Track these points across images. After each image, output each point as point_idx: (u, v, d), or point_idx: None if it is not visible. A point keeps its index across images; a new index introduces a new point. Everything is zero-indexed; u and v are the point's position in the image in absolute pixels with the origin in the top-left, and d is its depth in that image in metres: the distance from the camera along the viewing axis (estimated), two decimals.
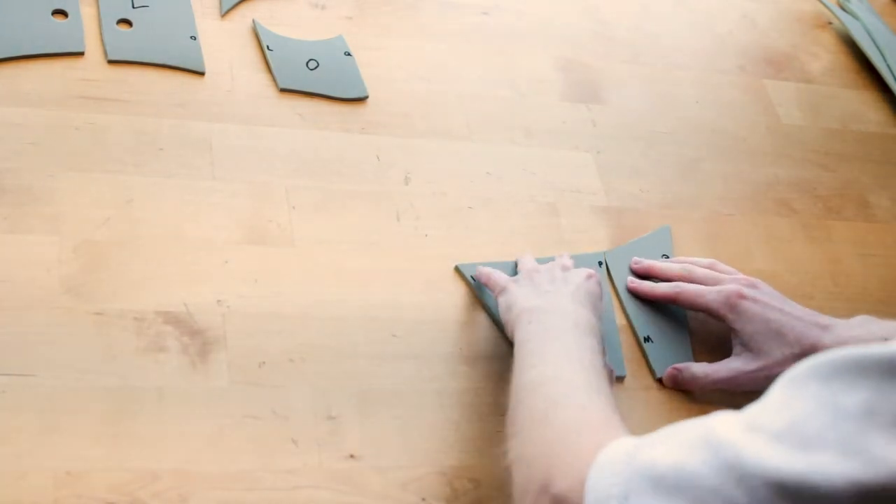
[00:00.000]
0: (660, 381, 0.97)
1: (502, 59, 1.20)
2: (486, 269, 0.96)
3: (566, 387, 0.76)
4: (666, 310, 1.02)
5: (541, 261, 0.98)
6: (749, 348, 0.94)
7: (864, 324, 0.93)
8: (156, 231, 0.92)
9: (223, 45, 1.09)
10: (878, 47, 1.39)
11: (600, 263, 1.03)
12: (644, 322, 1.00)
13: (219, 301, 0.89)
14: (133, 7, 1.08)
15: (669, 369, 0.96)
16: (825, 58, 1.39)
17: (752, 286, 0.96)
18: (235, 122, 1.03)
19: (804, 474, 0.54)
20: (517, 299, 0.89)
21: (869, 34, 1.40)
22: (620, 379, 0.96)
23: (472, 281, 0.97)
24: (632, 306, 1.01)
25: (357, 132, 1.07)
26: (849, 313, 1.09)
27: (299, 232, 0.96)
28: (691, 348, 1.00)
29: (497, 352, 0.93)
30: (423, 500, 0.83)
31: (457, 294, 0.97)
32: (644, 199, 1.12)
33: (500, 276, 0.94)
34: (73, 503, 0.75)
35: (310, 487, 0.81)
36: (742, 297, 0.95)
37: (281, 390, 0.86)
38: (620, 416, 0.74)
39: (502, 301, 0.91)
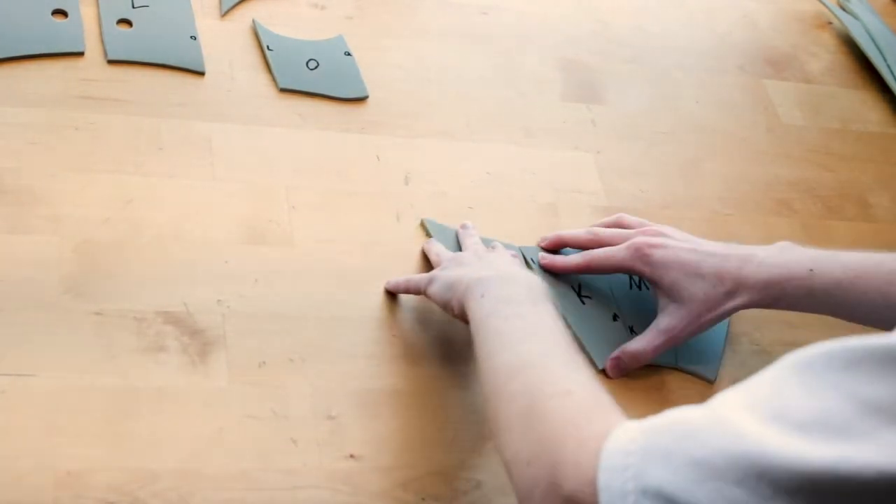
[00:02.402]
0: (602, 371, 0.95)
1: (502, 59, 1.21)
2: (402, 279, 0.93)
3: (544, 372, 0.74)
4: (584, 294, 1.00)
5: None
6: (672, 297, 0.92)
7: (784, 250, 0.92)
8: (156, 231, 0.92)
9: (223, 45, 1.09)
10: (878, 47, 1.39)
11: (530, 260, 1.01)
12: (570, 312, 0.98)
13: (219, 301, 0.89)
14: (133, 7, 1.08)
15: (610, 360, 0.94)
16: (825, 58, 1.39)
17: (659, 234, 0.95)
18: (235, 122, 1.03)
19: (833, 466, 0.53)
20: (456, 276, 0.86)
21: (869, 34, 1.40)
22: None
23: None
24: (560, 298, 0.98)
25: (357, 132, 1.07)
26: None
27: (299, 232, 0.96)
28: (621, 324, 0.98)
29: None
30: (423, 499, 0.83)
31: None
32: (644, 199, 1.12)
33: (419, 276, 0.92)
34: (72, 503, 0.75)
35: (310, 487, 0.81)
36: (651, 246, 0.93)
37: (281, 390, 0.86)
38: (603, 388, 0.72)
39: (432, 291, 0.88)
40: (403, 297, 0.95)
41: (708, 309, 0.92)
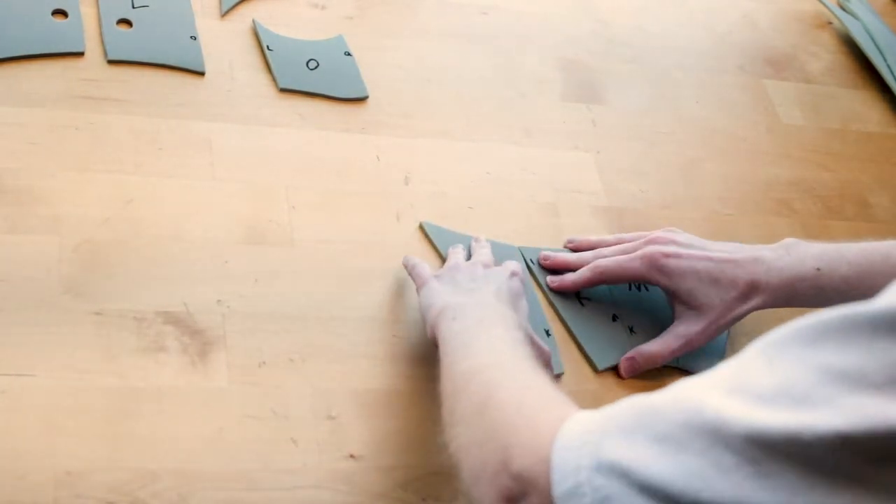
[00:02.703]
0: (607, 371, 0.95)
1: (502, 59, 1.21)
2: (413, 260, 0.93)
3: (504, 372, 0.74)
4: (583, 296, 1.00)
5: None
6: (690, 305, 0.93)
7: (791, 249, 0.93)
8: (156, 231, 0.92)
9: (223, 45, 1.09)
10: (878, 47, 1.39)
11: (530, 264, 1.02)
12: (570, 314, 0.99)
13: (219, 301, 0.89)
14: (133, 7, 1.08)
15: (624, 360, 0.95)
16: (825, 58, 1.39)
17: (670, 241, 0.95)
18: (235, 122, 1.03)
19: (795, 433, 0.52)
20: (437, 295, 0.87)
21: (869, 34, 1.40)
22: (559, 376, 0.94)
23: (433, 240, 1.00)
24: (558, 300, 0.99)
25: (357, 132, 1.07)
26: None
27: (299, 232, 0.96)
28: (620, 325, 0.99)
29: None
30: (424, 500, 0.83)
31: None
32: (644, 199, 1.12)
33: (423, 270, 0.92)
34: (72, 503, 0.75)
35: (310, 487, 0.81)
36: (666, 255, 0.94)
37: (281, 390, 0.86)
38: (564, 393, 0.71)
39: (422, 295, 0.89)
40: (403, 297, 0.95)
41: (724, 314, 0.93)
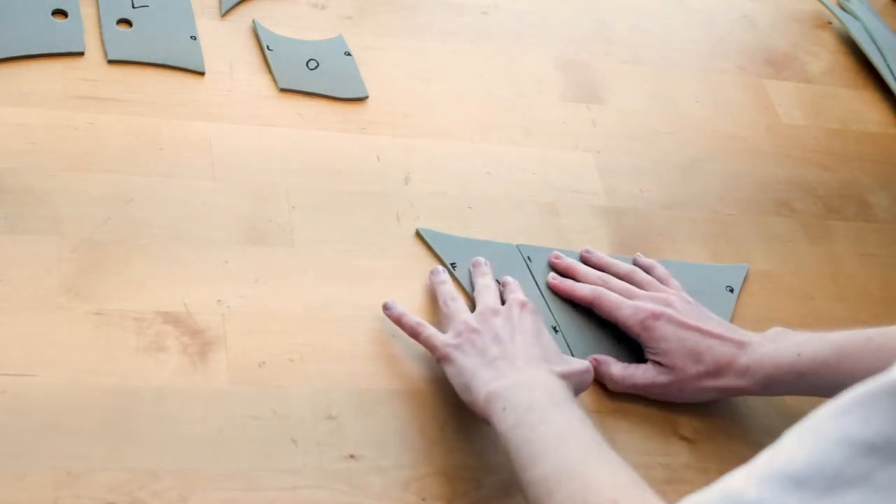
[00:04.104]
0: None
1: (502, 59, 1.20)
2: (414, 320, 0.90)
3: (586, 482, 0.73)
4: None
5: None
6: (662, 363, 0.93)
7: (777, 337, 0.92)
8: (156, 231, 0.92)
9: (223, 45, 1.09)
10: (878, 47, 1.39)
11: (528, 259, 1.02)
12: (559, 310, 0.99)
13: (219, 301, 0.89)
14: (133, 7, 1.08)
15: (590, 359, 0.94)
16: (825, 58, 1.39)
17: (667, 303, 0.95)
18: (235, 122, 1.03)
19: None
20: (471, 377, 0.84)
21: (869, 34, 1.40)
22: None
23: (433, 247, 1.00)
24: (550, 294, 1.00)
25: (357, 132, 1.07)
26: (849, 314, 1.09)
27: (299, 232, 0.96)
28: (607, 339, 0.98)
29: None
30: (424, 500, 0.83)
31: None
32: (644, 198, 1.12)
33: (435, 338, 0.88)
34: (73, 503, 0.75)
35: (310, 487, 0.81)
36: (657, 317, 0.93)
37: (281, 390, 0.86)
38: (647, 486, 0.72)
39: (450, 374, 0.86)
40: (403, 297, 0.94)
41: (691, 382, 0.92)
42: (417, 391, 0.89)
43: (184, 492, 0.78)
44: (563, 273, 1.01)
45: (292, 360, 0.88)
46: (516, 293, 0.94)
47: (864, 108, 1.35)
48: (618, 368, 0.95)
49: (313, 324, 0.90)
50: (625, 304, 0.96)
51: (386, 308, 0.91)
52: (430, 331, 0.89)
